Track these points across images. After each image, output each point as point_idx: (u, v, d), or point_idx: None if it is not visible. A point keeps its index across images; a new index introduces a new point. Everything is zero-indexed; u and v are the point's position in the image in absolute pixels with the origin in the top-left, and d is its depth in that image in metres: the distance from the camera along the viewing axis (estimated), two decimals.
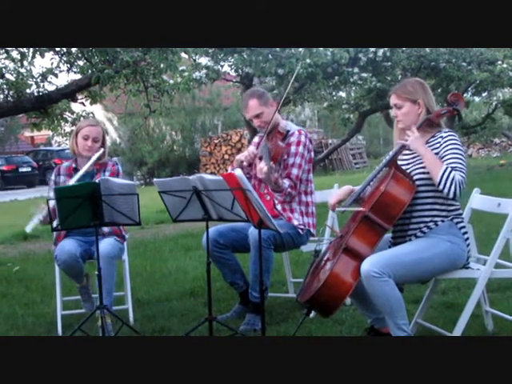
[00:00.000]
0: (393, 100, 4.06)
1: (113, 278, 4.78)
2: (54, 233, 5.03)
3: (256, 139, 5.24)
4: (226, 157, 26.08)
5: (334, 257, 3.89)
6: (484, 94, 21.20)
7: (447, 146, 3.87)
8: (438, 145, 3.91)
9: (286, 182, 4.86)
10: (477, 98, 23.19)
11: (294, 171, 4.92)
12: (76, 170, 5.05)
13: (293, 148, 4.94)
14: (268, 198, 4.97)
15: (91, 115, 9.67)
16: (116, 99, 9.57)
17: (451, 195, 3.74)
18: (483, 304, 4.47)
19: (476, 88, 19.09)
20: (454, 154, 3.83)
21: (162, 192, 4.30)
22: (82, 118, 9.54)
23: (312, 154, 5.06)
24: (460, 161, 3.80)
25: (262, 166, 4.64)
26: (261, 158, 4.75)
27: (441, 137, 3.94)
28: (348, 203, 4.05)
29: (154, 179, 4.47)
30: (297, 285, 5.37)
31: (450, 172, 3.73)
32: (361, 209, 3.91)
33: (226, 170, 4.95)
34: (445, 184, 3.73)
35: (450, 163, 3.79)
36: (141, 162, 27.09)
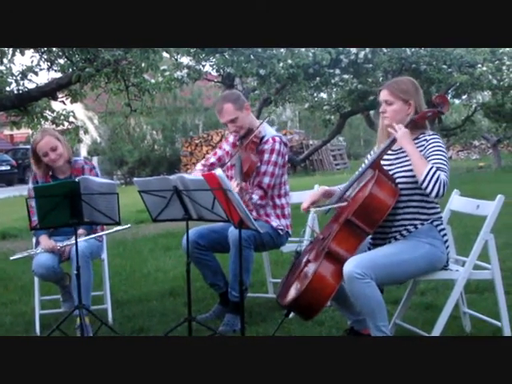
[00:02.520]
0: (384, 95, 4.02)
1: (90, 276, 4.75)
2: (34, 238, 5.01)
3: (231, 138, 5.19)
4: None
5: (316, 260, 3.88)
6: (464, 97, 21.38)
7: (432, 147, 3.86)
8: (423, 147, 3.90)
9: (255, 197, 4.85)
10: (457, 101, 23.36)
11: (266, 180, 4.90)
12: (53, 176, 5.00)
13: (266, 156, 4.91)
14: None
15: (71, 114, 9.61)
16: (97, 98, 9.53)
17: (434, 194, 3.73)
18: (461, 305, 4.50)
19: (456, 90, 19.26)
20: (438, 155, 3.82)
21: (142, 191, 4.28)
22: (62, 117, 9.49)
23: (286, 157, 5.02)
24: (445, 162, 3.80)
25: (234, 186, 4.60)
26: (232, 167, 4.76)
27: (425, 140, 3.93)
28: (330, 204, 4.04)
29: (134, 178, 4.46)
30: (277, 285, 5.36)
31: (436, 171, 3.72)
32: (342, 204, 3.90)
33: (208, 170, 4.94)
34: (429, 182, 3.72)
35: (435, 163, 3.78)
36: (121, 162, 27.00)
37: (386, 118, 4.02)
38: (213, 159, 5.18)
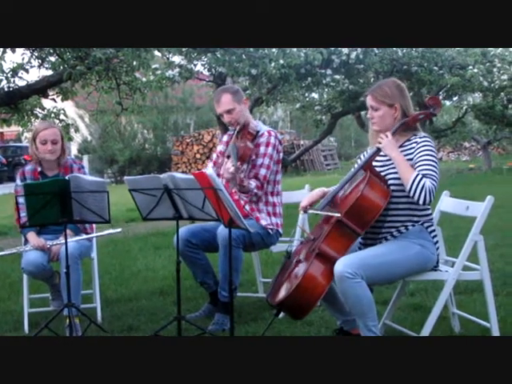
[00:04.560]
0: (369, 101, 4.03)
1: (79, 276, 4.73)
2: (22, 235, 5.00)
3: (225, 138, 5.23)
4: (198, 156, 26.06)
5: (307, 260, 3.88)
6: (455, 99, 21.42)
7: (421, 151, 3.86)
8: (413, 150, 3.90)
9: (253, 183, 4.86)
10: (448, 102, 23.42)
11: (262, 171, 4.92)
12: (42, 173, 4.98)
13: (262, 149, 4.94)
14: (237, 197, 4.96)
15: (62, 112, 9.58)
16: (88, 96, 9.51)
17: (421, 202, 3.74)
18: (450, 306, 4.51)
19: (447, 92, 19.29)
20: (426, 160, 3.82)
21: (132, 190, 4.28)
22: (52, 115, 9.46)
23: (281, 155, 5.06)
24: (432, 167, 3.80)
25: (228, 166, 4.64)
26: (228, 157, 4.76)
27: (415, 142, 3.93)
28: (322, 205, 4.04)
29: (125, 177, 4.45)
30: (267, 285, 5.36)
31: (421, 179, 3.73)
32: (336, 214, 3.89)
33: (198, 169, 4.94)
34: (415, 191, 3.73)
35: (422, 169, 3.78)
36: (112, 160, 26.94)
37: (374, 123, 4.03)
38: (210, 164, 5.21)
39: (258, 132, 5.00)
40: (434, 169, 3.80)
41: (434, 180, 3.75)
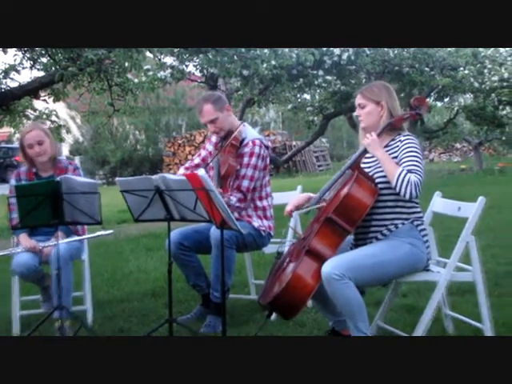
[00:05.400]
0: (357, 99, 4.12)
1: (70, 278, 4.70)
2: (14, 237, 4.97)
3: (214, 138, 5.18)
4: (190, 157, 26.00)
5: (297, 259, 3.89)
6: (446, 100, 21.42)
7: (405, 149, 3.92)
8: (397, 148, 3.96)
9: (233, 198, 4.83)
10: (439, 103, 23.44)
11: (245, 183, 4.89)
12: (37, 174, 4.95)
13: (245, 159, 4.90)
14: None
15: (54, 113, 9.56)
16: (79, 97, 9.49)
17: (407, 196, 3.78)
18: (443, 307, 4.51)
19: (438, 93, 19.30)
20: (410, 156, 3.87)
21: (123, 191, 4.27)
22: (44, 116, 9.44)
23: (267, 160, 5.01)
24: (416, 163, 3.84)
25: None
26: (212, 169, 4.75)
27: (399, 140, 3.98)
28: (311, 205, 4.06)
29: (117, 178, 4.43)
30: (259, 286, 5.35)
31: (406, 174, 3.77)
32: (323, 204, 3.93)
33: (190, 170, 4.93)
34: (401, 186, 3.77)
35: (407, 165, 3.83)
36: (103, 161, 26.94)
37: (361, 120, 4.11)
38: (197, 160, 5.17)
39: (242, 140, 4.96)
40: (419, 164, 3.85)
41: (419, 174, 3.80)
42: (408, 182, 3.76)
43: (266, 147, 5.01)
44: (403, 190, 3.77)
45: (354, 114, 4.20)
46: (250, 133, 5.04)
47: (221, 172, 4.81)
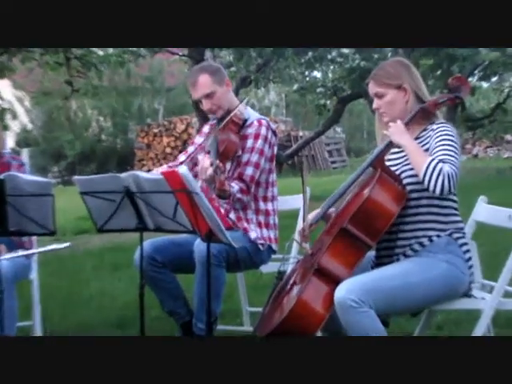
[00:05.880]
0: (372, 88, 4.11)
1: (13, 303, 4.70)
2: None
3: (206, 128, 5.22)
4: (169, 150, 26.04)
5: (303, 280, 3.90)
6: (494, 79, 21.51)
7: (437, 137, 3.93)
8: (429, 139, 3.98)
9: (235, 186, 4.83)
10: (485, 84, 23.54)
11: (249, 171, 4.91)
12: None
13: (249, 142, 4.93)
14: (218, 204, 4.94)
15: None
16: (29, 74, 9.49)
17: (438, 191, 3.75)
18: None
19: (484, 71, 19.36)
20: (443, 145, 3.88)
21: (84, 193, 4.27)
22: None
23: (275, 149, 5.05)
24: (451, 152, 3.85)
25: (206, 165, 4.59)
26: (209, 153, 4.75)
27: (431, 129, 4.00)
28: (320, 214, 4.07)
29: (75, 177, 4.43)
30: (255, 315, 5.36)
31: (437, 164, 3.77)
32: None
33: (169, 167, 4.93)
34: (430, 177, 3.75)
35: (439, 155, 3.84)
36: (59, 155, 26.92)
37: (383, 113, 4.11)
38: (183, 157, 5.19)
39: (245, 121, 4.98)
40: (454, 154, 3.86)
41: (454, 165, 3.80)
42: (440, 172, 3.74)
43: (274, 133, 5.03)
44: (433, 182, 3.75)
45: (373, 106, 4.17)
46: (253, 113, 5.09)
47: (219, 149, 4.78)
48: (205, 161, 4.62)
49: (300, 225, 4.30)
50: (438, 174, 3.74)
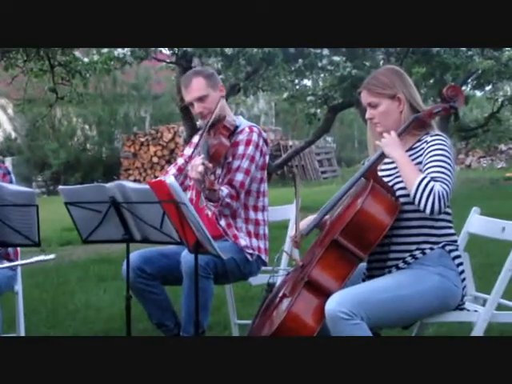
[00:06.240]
0: (365, 98, 4.10)
1: None
2: None
3: (196, 139, 5.22)
4: (155, 160, 26.04)
5: (293, 293, 3.90)
6: (488, 88, 21.55)
7: (430, 151, 3.92)
8: (422, 151, 3.97)
9: (224, 190, 4.84)
10: (478, 93, 23.59)
11: (239, 177, 4.91)
12: None
13: (240, 148, 4.94)
14: (209, 213, 4.95)
15: None
16: (12, 81, 9.49)
17: (428, 211, 3.77)
18: None
19: (478, 79, 19.41)
20: (436, 161, 3.88)
21: (69, 203, 4.27)
22: None
23: (266, 158, 5.07)
24: (444, 169, 3.85)
25: (197, 163, 4.61)
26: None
27: (425, 141, 3.99)
28: (311, 225, 4.07)
29: (60, 186, 4.44)
30: (243, 328, 5.36)
31: (429, 182, 3.77)
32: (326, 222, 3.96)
33: (155, 177, 4.93)
34: (420, 196, 3.76)
35: (431, 172, 3.84)
36: (43, 164, 26.87)
37: (377, 124, 4.10)
38: (173, 170, 5.20)
39: (236, 127, 5.00)
40: (447, 171, 3.86)
41: (447, 185, 3.80)
42: (430, 191, 3.75)
43: (265, 141, 5.05)
44: (423, 202, 3.76)
45: (366, 116, 4.16)
46: (244, 121, 5.12)
47: (210, 152, 4.78)
48: (196, 159, 4.64)
49: (291, 232, 4.29)
50: (429, 194, 3.75)
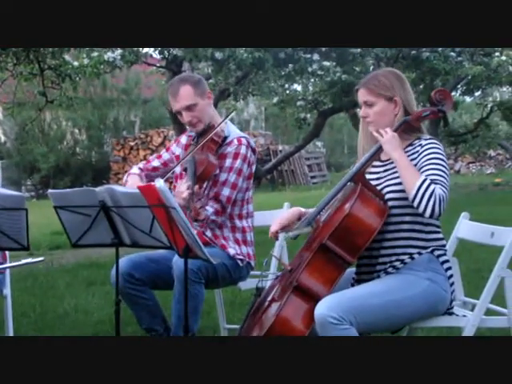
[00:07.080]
0: (362, 96, 4.09)
1: None
2: None
3: (183, 139, 5.19)
4: None
5: (282, 297, 3.90)
6: (477, 94, 21.60)
7: (427, 155, 3.93)
8: (416, 155, 3.97)
9: (210, 209, 4.83)
10: (468, 98, 23.66)
11: (225, 192, 4.90)
12: None
13: (228, 161, 4.92)
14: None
15: None
16: (1, 84, 9.47)
17: (428, 213, 3.78)
18: None
19: (467, 85, 19.43)
20: (434, 164, 3.88)
21: (58, 207, 4.26)
22: None
23: (253, 167, 5.05)
24: (442, 173, 3.86)
25: (182, 189, 4.60)
26: (185, 170, 4.75)
27: (420, 145, 3.99)
28: (300, 227, 4.07)
29: (49, 190, 4.43)
30: (233, 332, 5.37)
31: (430, 184, 3.78)
32: (316, 226, 3.94)
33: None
34: (421, 199, 3.77)
35: (430, 175, 3.84)
36: (32, 168, 26.80)
37: (370, 123, 4.09)
38: (156, 163, 5.16)
39: (225, 138, 4.98)
40: (444, 175, 3.87)
41: (446, 188, 3.81)
42: (431, 194, 3.76)
43: (253, 151, 5.03)
44: (423, 204, 3.77)
45: (360, 114, 4.16)
46: (233, 130, 5.08)
47: (197, 171, 4.76)
48: (181, 185, 4.62)
49: (272, 227, 4.29)
50: (430, 196, 3.76)
